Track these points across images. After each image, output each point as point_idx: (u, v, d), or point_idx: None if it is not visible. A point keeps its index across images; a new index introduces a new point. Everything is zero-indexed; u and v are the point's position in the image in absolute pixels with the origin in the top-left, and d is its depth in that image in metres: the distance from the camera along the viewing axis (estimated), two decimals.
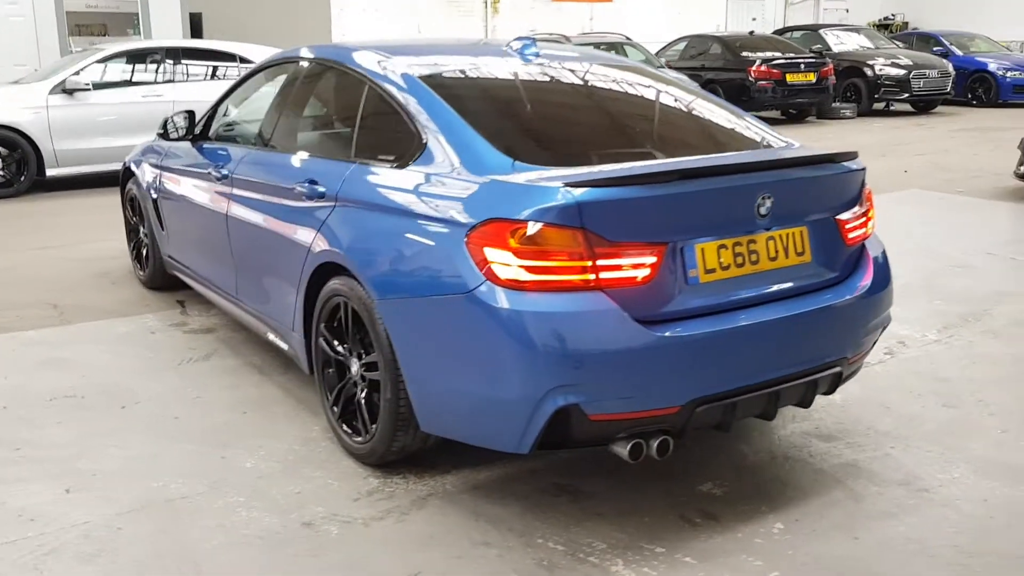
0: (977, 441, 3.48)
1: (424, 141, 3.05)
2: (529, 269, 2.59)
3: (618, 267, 2.61)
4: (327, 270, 3.31)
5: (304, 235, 3.40)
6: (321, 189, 3.35)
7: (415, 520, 2.91)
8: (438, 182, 2.91)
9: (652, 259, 2.65)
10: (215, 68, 9.66)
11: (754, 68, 15.12)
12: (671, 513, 2.96)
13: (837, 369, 3.05)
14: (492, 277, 2.62)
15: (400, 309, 2.89)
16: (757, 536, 2.82)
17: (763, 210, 2.85)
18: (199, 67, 9.61)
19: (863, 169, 3.18)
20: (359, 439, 3.23)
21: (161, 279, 5.41)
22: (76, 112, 8.91)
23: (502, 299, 2.60)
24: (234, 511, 2.96)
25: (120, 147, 9.05)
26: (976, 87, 18.22)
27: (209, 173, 4.28)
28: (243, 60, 9.73)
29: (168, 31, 12.63)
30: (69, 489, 3.10)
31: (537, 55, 3.65)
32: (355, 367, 3.25)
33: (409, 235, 2.90)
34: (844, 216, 3.10)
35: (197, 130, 4.64)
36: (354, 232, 3.13)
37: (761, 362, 2.84)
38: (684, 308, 2.72)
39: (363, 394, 3.21)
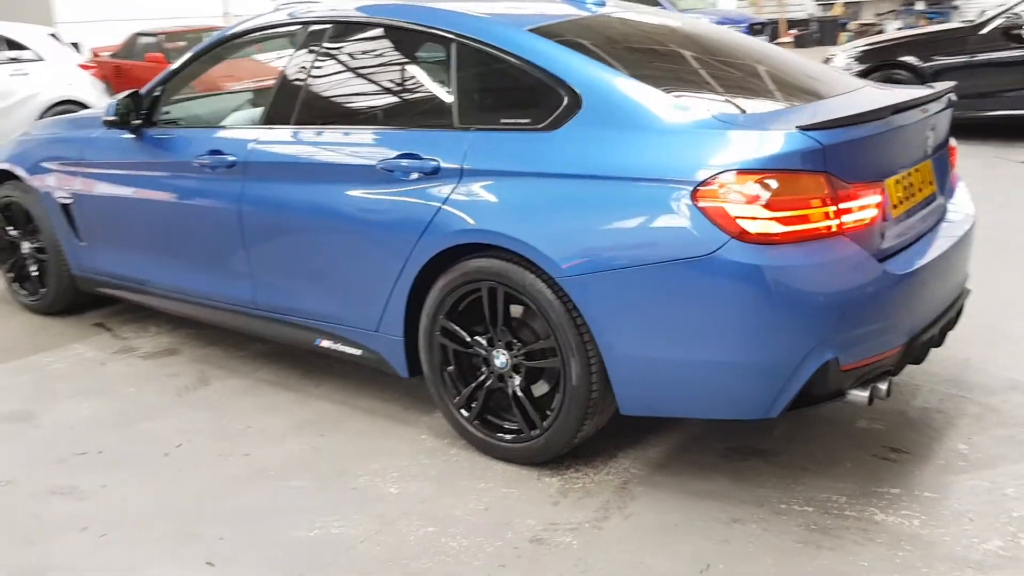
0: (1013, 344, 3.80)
1: (578, 98, 2.72)
2: (781, 220, 2.41)
3: (854, 209, 2.51)
4: (447, 255, 2.89)
5: (410, 217, 2.94)
6: (432, 163, 2.90)
7: (641, 512, 2.65)
8: (621, 140, 2.62)
9: (878, 198, 2.58)
10: None
11: None
12: (863, 455, 2.93)
13: (968, 289, 3.18)
14: (740, 234, 2.42)
15: (602, 284, 2.58)
16: (958, 459, 2.88)
17: (930, 142, 2.87)
18: None
19: (954, 103, 3.30)
20: (521, 437, 2.88)
21: (65, 301, 4.48)
22: None
23: (756, 256, 2.41)
24: (439, 542, 2.52)
25: None
26: None
27: (192, 163, 3.57)
28: (11, 43, 8.26)
29: None
30: (211, 562, 2.49)
31: (603, 3, 3.41)
32: (501, 359, 2.88)
33: (602, 201, 2.59)
34: (952, 144, 3.22)
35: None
36: (512, 206, 2.74)
37: (944, 292, 2.89)
38: (890, 245, 2.68)
39: (519, 387, 2.87)
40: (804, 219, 2.43)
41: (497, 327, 2.87)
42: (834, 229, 2.47)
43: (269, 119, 3.44)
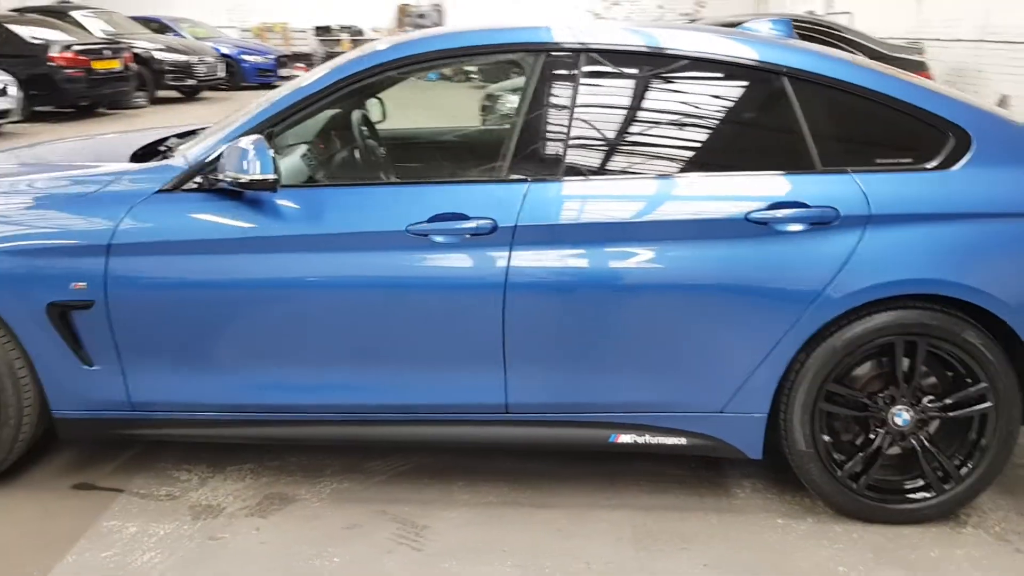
0: None
1: (962, 135, 2.66)
2: None
3: None
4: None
5: (804, 274, 2.57)
6: (829, 211, 2.56)
7: None
8: None
9: None
10: None
11: (56, 54, 12.97)
12: None
13: None
14: None
15: None
16: None
17: None
18: None
19: None
20: (932, 495, 2.71)
21: (11, 461, 2.86)
22: None
23: None
24: None
25: None
26: None
27: (403, 233, 2.59)
28: None
29: None
30: None
31: (790, 33, 3.29)
32: (904, 416, 2.68)
33: None
34: None
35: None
36: (950, 253, 2.57)
37: None
38: None
39: (923, 441, 2.71)
40: None
41: (912, 383, 2.67)
42: None
43: (524, 167, 2.68)
